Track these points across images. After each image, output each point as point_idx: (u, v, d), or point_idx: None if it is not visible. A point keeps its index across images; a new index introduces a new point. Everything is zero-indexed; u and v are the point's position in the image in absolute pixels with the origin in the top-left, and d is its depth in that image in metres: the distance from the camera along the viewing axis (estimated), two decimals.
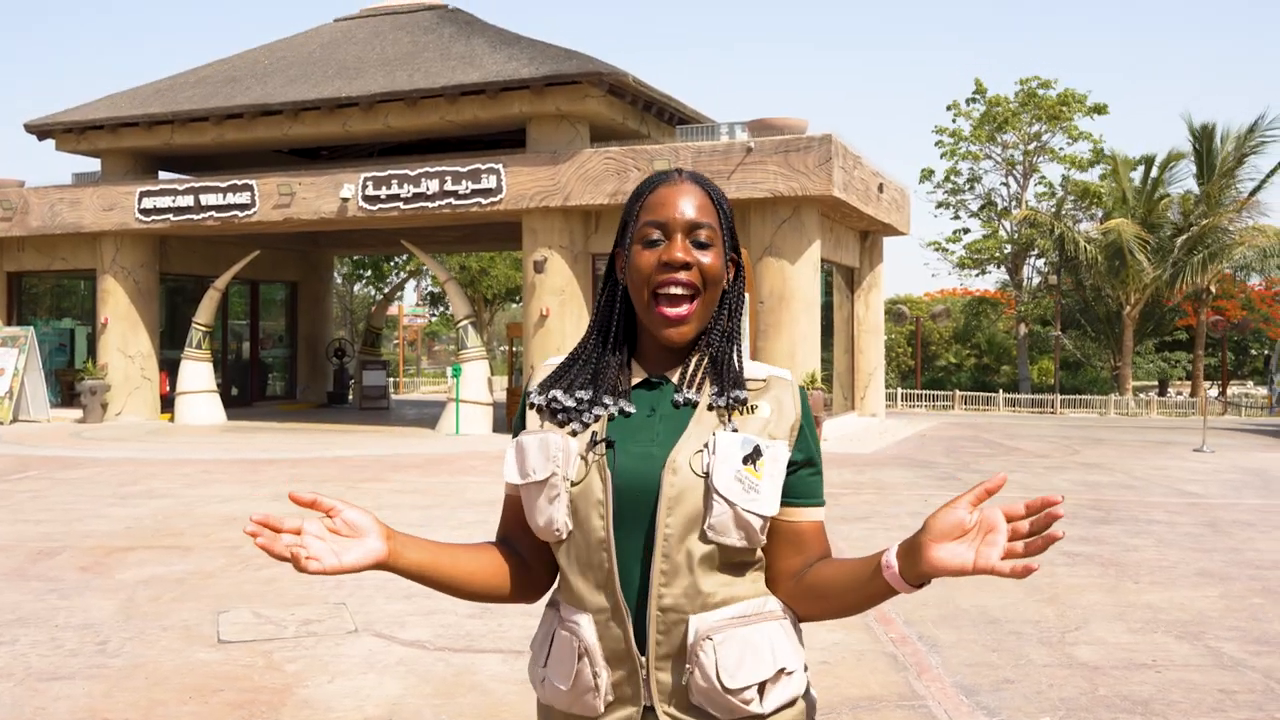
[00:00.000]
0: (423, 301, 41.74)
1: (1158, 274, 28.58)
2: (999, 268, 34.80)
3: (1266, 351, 40.43)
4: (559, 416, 1.57)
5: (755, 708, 1.51)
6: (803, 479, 1.58)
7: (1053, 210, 31.86)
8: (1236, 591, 6.38)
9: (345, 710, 4.28)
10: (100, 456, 13.49)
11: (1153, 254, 28.72)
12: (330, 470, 12.10)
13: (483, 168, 16.62)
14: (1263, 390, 34.25)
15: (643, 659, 1.50)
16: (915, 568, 1.38)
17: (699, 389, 1.57)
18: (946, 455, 14.41)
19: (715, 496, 1.48)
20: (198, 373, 19.31)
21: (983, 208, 34.28)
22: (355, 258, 37.80)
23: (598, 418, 1.55)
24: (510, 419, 17.94)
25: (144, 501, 9.65)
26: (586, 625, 1.52)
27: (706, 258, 1.56)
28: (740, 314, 1.65)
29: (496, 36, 17.85)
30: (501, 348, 42.40)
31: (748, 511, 1.49)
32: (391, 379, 33.11)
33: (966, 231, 35.20)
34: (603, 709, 1.52)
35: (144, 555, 7.24)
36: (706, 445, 1.51)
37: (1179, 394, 36.33)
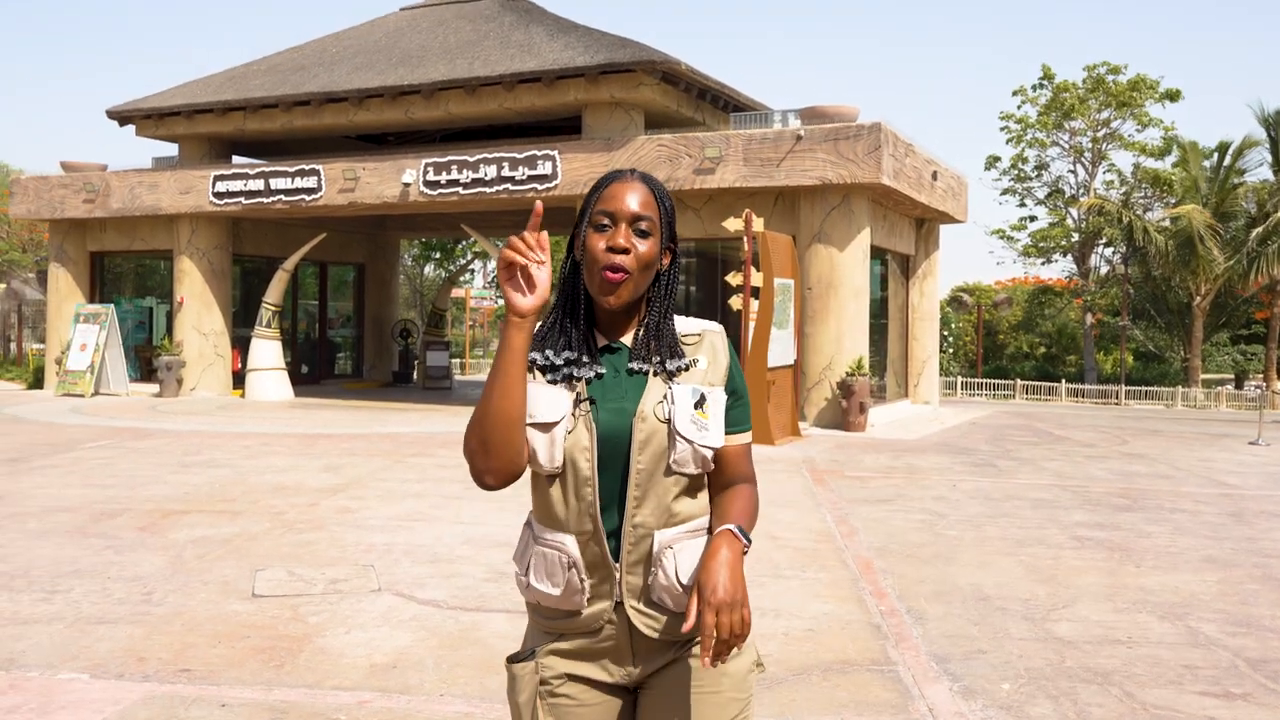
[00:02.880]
0: (489, 284, 42.54)
1: (1230, 264, 28.01)
2: (1065, 256, 34.32)
3: None
4: (548, 375, 1.93)
5: None
6: (730, 411, 1.98)
7: (1121, 198, 31.34)
8: (1235, 577, 6.50)
9: (355, 657, 4.68)
10: (170, 429, 14.21)
11: (1225, 244, 28.14)
12: (382, 445, 12.62)
13: (539, 154, 17.01)
14: None
15: (616, 565, 1.90)
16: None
17: (646, 355, 1.95)
18: (990, 443, 14.47)
19: (677, 437, 1.90)
20: (267, 350, 20.05)
21: (1049, 195, 33.83)
22: (425, 241, 38.59)
23: (580, 378, 1.91)
24: None
25: (204, 470, 10.24)
26: (571, 544, 1.90)
27: (644, 245, 1.91)
28: (674, 290, 2.02)
29: (554, 25, 18.20)
30: None
31: (703, 446, 1.91)
32: (457, 360, 33.81)
33: (1033, 219, 34.76)
34: (585, 605, 1.92)
35: (196, 518, 7.77)
36: (665, 397, 1.91)
37: (1257, 388, 35.52)
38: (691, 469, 1.92)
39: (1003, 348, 41.42)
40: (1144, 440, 15.67)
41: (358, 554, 6.71)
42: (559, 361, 1.92)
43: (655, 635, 1.93)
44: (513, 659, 1.98)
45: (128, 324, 22.15)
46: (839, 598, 5.82)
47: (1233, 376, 39.48)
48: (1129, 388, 28.53)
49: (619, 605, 1.92)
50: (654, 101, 16.78)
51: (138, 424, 14.77)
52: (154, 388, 20.65)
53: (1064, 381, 29.59)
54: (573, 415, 1.89)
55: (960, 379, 29.93)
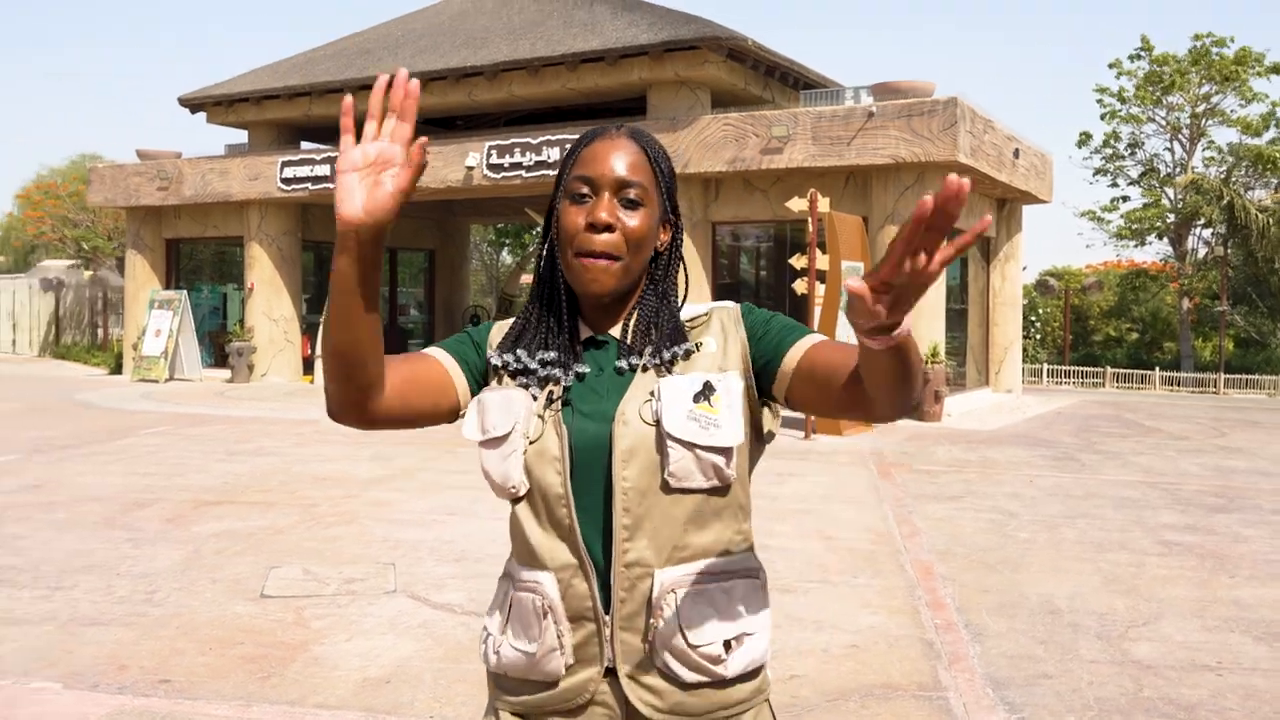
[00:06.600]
0: None
1: None
2: (1160, 238, 32.76)
3: None
4: (519, 380, 1.54)
5: (721, 669, 1.47)
6: (780, 336, 1.52)
7: (1221, 176, 29.77)
8: None
9: (349, 669, 4.31)
10: (231, 415, 14.14)
11: None
12: (437, 434, 12.30)
13: None
14: None
15: (606, 618, 1.46)
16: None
17: (639, 352, 1.54)
18: (1074, 435, 13.67)
19: (670, 442, 1.45)
20: None
21: (1144, 174, 32.29)
22: (499, 226, 38.48)
23: (558, 380, 1.52)
24: None
25: (250, 459, 10.05)
26: (549, 582, 1.48)
27: (633, 220, 1.51)
28: (677, 274, 1.62)
29: (618, 2, 17.73)
30: None
31: (708, 450, 1.45)
32: None
33: (1125, 199, 33.25)
34: (564, 671, 1.48)
35: (226, 510, 7.52)
36: (653, 394, 1.48)
37: None
38: (697, 481, 1.46)
39: (1092, 334, 39.89)
40: (1243, 432, 14.68)
41: (382, 551, 6.37)
42: (534, 365, 1.53)
43: (658, 715, 1.47)
44: None
45: (203, 310, 22.34)
46: (891, 609, 5.29)
47: None
48: (1228, 376, 27.11)
49: (610, 673, 1.48)
50: (720, 80, 16.22)
51: (201, 410, 14.75)
52: (226, 373, 20.77)
53: (1158, 369, 28.27)
54: (540, 419, 1.49)
55: (1047, 366, 28.79)
